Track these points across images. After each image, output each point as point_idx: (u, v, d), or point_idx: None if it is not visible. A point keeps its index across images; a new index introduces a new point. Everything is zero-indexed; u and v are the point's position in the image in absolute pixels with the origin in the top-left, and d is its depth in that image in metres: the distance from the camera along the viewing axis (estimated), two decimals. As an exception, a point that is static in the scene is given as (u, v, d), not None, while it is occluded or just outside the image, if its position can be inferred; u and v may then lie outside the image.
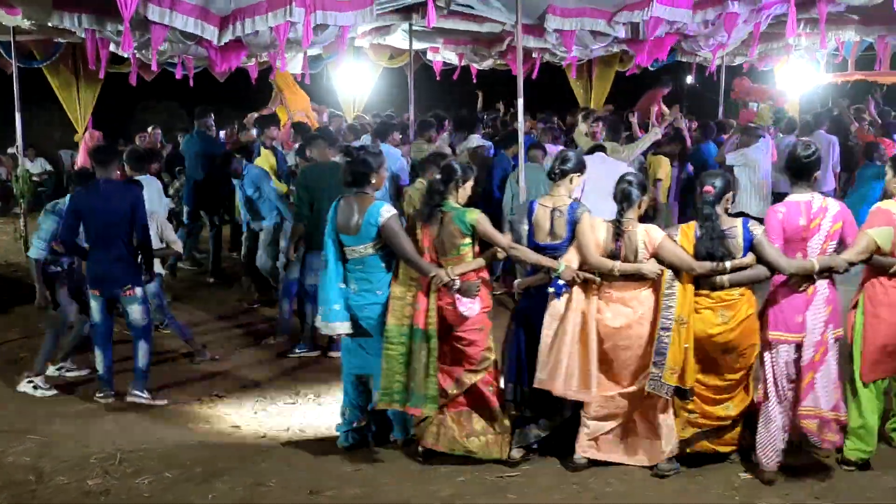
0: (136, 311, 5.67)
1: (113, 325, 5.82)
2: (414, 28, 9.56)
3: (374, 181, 4.66)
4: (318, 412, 5.71)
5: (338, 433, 4.97)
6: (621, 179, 4.55)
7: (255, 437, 5.21)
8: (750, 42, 9.89)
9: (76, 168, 6.85)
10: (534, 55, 10.99)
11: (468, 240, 4.55)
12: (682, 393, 4.39)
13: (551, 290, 4.43)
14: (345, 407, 4.91)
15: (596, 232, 4.48)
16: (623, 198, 4.46)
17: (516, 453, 4.63)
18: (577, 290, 4.44)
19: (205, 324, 7.74)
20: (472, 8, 8.36)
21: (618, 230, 4.44)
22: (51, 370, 6.16)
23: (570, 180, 4.65)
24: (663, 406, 4.44)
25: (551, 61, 12.16)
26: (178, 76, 10.16)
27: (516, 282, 4.72)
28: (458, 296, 4.46)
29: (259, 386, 6.23)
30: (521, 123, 7.48)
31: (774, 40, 11.39)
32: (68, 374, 6.27)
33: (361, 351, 4.73)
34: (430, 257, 4.59)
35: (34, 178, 12.12)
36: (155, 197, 6.99)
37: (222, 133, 11.69)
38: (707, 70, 12.15)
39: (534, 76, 11.09)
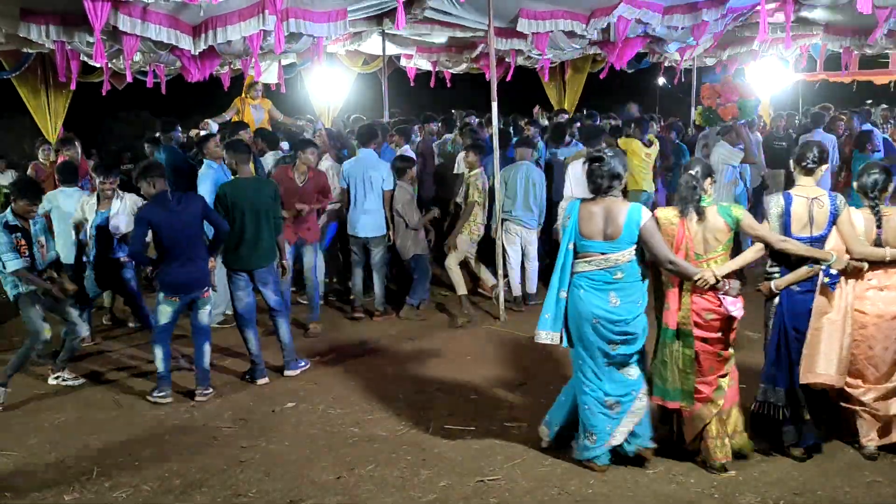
0: (205, 313, 6.00)
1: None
2: (387, 33, 9.56)
3: (623, 183, 4.59)
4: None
5: (590, 456, 4.57)
6: (871, 171, 4.67)
7: (236, 447, 5.17)
8: (718, 44, 10.04)
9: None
10: (507, 59, 11.06)
11: (731, 235, 4.52)
12: None
13: (825, 279, 4.48)
14: (592, 428, 4.52)
15: (855, 222, 4.58)
16: (876, 185, 4.58)
17: (796, 452, 4.63)
18: (841, 280, 4.53)
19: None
20: (446, 14, 8.39)
21: (878, 218, 4.54)
22: (50, 380, 6.25)
23: (822, 170, 4.74)
24: None
25: (525, 65, 12.24)
26: (149, 84, 10.07)
27: (773, 282, 4.65)
28: (723, 296, 4.42)
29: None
30: (496, 126, 7.52)
31: (742, 44, 11.54)
32: (64, 384, 6.24)
33: (625, 364, 4.50)
34: (684, 256, 4.48)
35: (5, 191, 11.94)
36: (74, 206, 6.99)
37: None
38: (677, 71, 12.27)
39: (508, 79, 11.14)
